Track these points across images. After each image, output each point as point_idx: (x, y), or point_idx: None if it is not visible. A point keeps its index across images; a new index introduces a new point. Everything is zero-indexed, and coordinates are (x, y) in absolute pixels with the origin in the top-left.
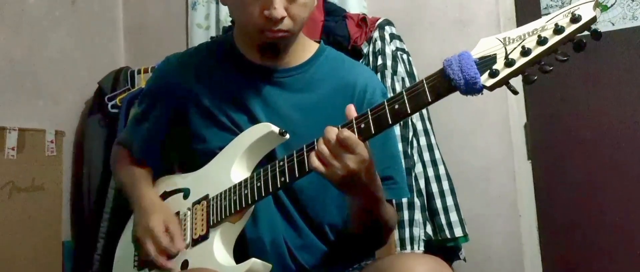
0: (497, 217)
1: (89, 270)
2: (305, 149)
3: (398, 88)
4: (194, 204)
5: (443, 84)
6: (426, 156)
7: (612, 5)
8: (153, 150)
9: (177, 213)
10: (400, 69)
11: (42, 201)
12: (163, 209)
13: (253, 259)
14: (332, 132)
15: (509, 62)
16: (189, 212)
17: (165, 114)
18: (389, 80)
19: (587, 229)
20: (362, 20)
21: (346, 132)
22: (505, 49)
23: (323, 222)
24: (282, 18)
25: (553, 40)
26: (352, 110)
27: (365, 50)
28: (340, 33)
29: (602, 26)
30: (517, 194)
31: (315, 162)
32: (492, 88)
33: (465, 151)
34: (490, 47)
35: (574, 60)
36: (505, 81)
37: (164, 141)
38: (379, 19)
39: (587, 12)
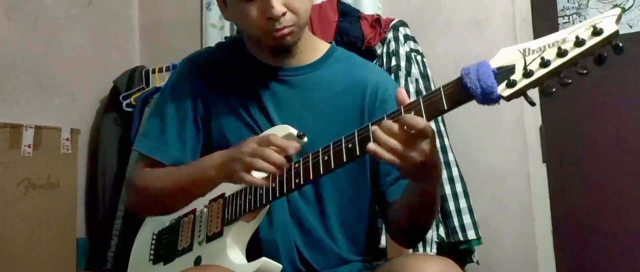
0: (511, 220)
1: (103, 267)
2: (320, 152)
3: (411, 89)
4: (211, 201)
5: (460, 92)
6: (440, 158)
7: (630, 8)
8: (173, 148)
9: (194, 210)
10: (414, 70)
11: (57, 198)
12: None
13: (263, 258)
14: (393, 125)
15: (527, 73)
16: (205, 210)
17: (181, 114)
18: (402, 82)
19: (602, 233)
20: (376, 21)
21: (423, 123)
22: (525, 59)
23: (336, 224)
24: (284, 14)
25: (573, 52)
26: (404, 95)
27: (379, 51)
28: (354, 34)
29: (620, 29)
30: (532, 197)
31: (387, 154)
32: (509, 98)
33: (479, 153)
34: (509, 57)
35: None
36: (522, 92)
37: (179, 141)
38: (394, 19)
39: (609, 26)
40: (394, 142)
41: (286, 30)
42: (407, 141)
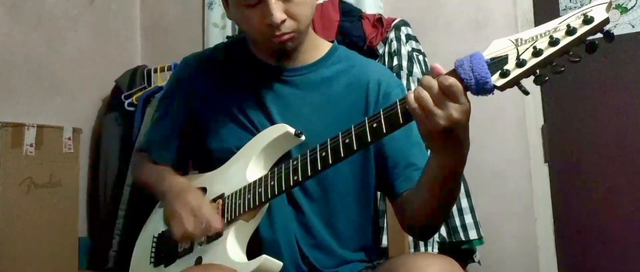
0: (513, 219)
1: (104, 266)
2: (318, 148)
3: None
4: (210, 202)
5: None
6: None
7: (632, 8)
8: (171, 150)
9: None
10: (416, 70)
11: (59, 197)
12: (196, 190)
13: (264, 256)
14: (432, 80)
15: (520, 63)
16: None
17: (182, 114)
18: (404, 81)
19: (604, 233)
20: (378, 21)
21: (451, 79)
22: (517, 49)
23: (339, 223)
24: (283, 21)
25: (565, 41)
26: (438, 68)
27: (381, 51)
28: (356, 33)
29: (622, 28)
30: (533, 197)
31: (414, 104)
32: (503, 88)
33: (481, 153)
34: (502, 47)
35: (592, 62)
36: (516, 81)
37: (181, 141)
38: (395, 19)
39: (599, 14)
40: (424, 94)
41: (286, 37)
42: (439, 100)
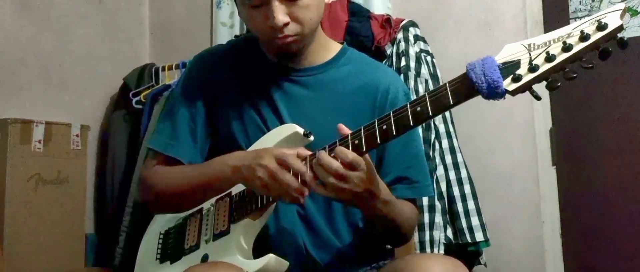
0: (520, 222)
1: (111, 262)
2: (327, 149)
3: (421, 90)
4: (218, 200)
5: (466, 87)
6: (448, 159)
7: None
8: (187, 145)
9: (201, 209)
10: (424, 70)
11: (66, 193)
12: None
13: (270, 255)
14: (330, 160)
15: (532, 68)
16: (212, 208)
17: (195, 110)
18: (412, 82)
19: (611, 237)
20: (386, 21)
21: (351, 155)
22: (530, 54)
23: (342, 222)
24: (286, 24)
25: (578, 47)
26: (344, 129)
27: (388, 51)
28: (364, 33)
29: (632, 31)
30: (541, 200)
31: (323, 192)
32: (514, 93)
33: (488, 155)
34: (514, 52)
35: (601, 65)
36: (528, 86)
37: (194, 136)
38: (404, 20)
39: (613, 21)
40: (330, 180)
41: (289, 39)
42: (345, 175)
